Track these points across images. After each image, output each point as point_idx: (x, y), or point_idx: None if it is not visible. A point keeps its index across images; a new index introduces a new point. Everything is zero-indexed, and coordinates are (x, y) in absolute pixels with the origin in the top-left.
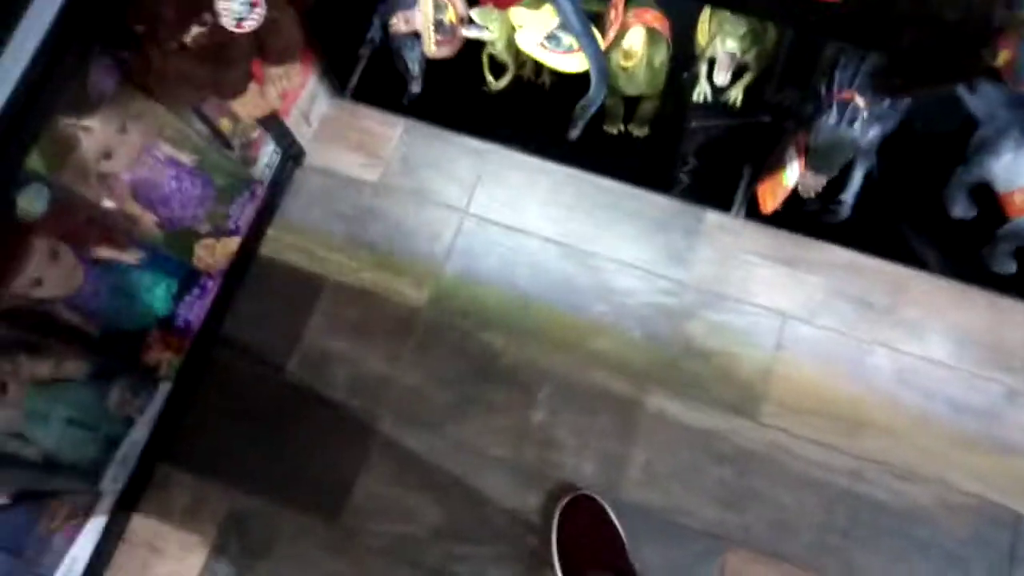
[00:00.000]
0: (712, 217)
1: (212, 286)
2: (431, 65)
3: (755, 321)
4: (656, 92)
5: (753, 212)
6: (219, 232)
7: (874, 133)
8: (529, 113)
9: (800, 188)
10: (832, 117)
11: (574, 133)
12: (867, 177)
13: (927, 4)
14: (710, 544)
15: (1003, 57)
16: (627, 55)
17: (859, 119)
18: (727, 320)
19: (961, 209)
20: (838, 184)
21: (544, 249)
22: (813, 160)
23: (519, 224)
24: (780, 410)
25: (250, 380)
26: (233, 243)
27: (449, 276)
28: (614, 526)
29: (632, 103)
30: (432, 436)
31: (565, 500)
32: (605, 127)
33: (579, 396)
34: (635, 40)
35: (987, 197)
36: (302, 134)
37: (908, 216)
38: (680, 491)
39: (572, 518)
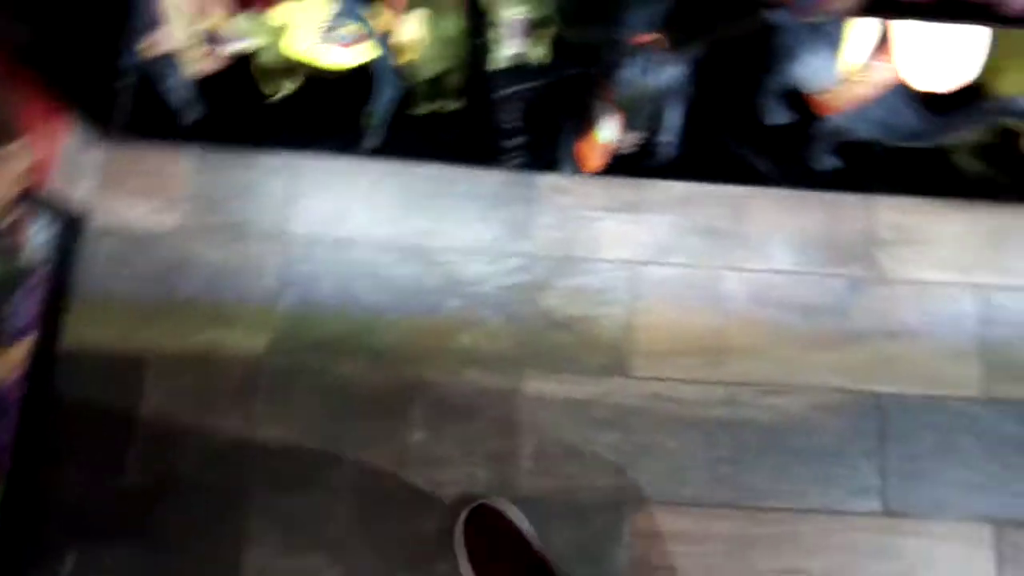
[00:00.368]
0: (545, 181)
1: (12, 402)
2: (206, 82)
3: (608, 277)
4: (458, 63)
5: (584, 166)
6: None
7: (682, 70)
8: (327, 111)
9: (618, 143)
10: (634, 67)
11: (371, 143)
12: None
13: None
14: (612, 511)
15: None
16: (404, 49)
17: (663, 64)
18: (581, 283)
19: (777, 116)
20: (656, 125)
21: (380, 256)
22: (624, 116)
23: (347, 235)
24: (648, 360)
25: (90, 493)
26: (22, 348)
27: (285, 313)
28: (514, 525)
29: (436, 77)
30: (310, 490)
31: (462, 516)
32: (415, 110)
33: (454, 403)
34: (409, 31)
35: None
36: (78, 194)
37: (731, 132)
38: (574, 469)
39: (473, 531)
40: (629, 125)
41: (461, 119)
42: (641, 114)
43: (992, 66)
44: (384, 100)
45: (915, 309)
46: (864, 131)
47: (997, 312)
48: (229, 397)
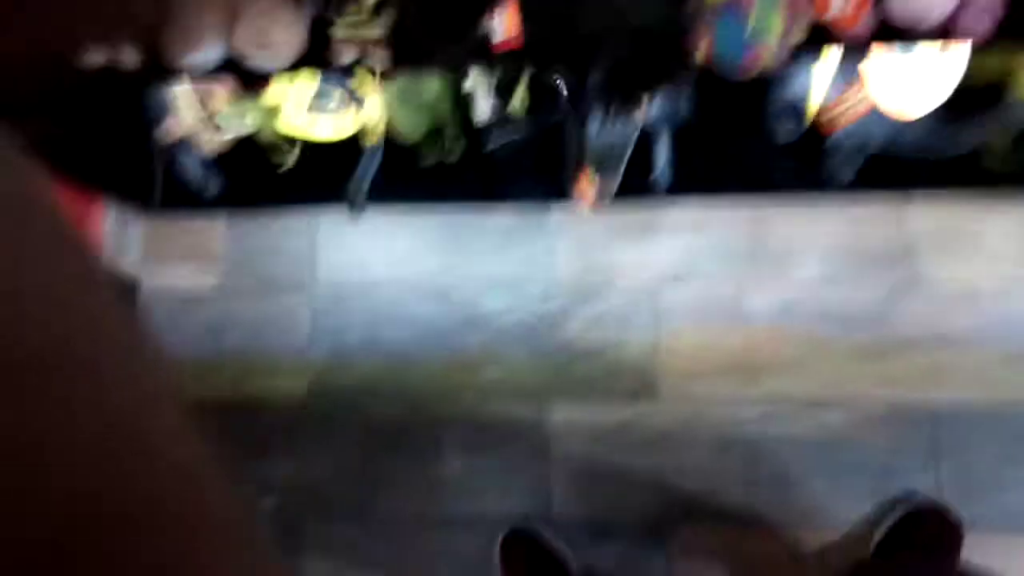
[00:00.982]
0: (558, 212)
1: None
2: (225, 157)
3: (629, 302)
4: (445, 121)
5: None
6: None
7: (657, 112)
8: (334, 172)
9: (599, 190)
10: (597, 120)
11: (355, 212)
12: (677, 136)
13: (612, 17)
14: (650, 534)
15: (704, 50)
16: (369, 132)
17: (617, 119)
18: (603, 310)
19: (785, 133)
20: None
21: (403, 297)
22: (593, 167)
23: (371, 279)
24: (678, 382)
25: None
26: None
27: (319, 359)
28: (549, 547)
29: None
30: (357, 523)
31: (499, 540)
32: (420, 161)
33: (485, 434)
34: (369, 114)
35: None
36: (126, 266)
37: (743, 151)
38: (609, 493)
39: (510, 555)
40: (601, 176)
41: (465, 167)
42: (611, 167)
43: (1006, 70)
44: (368, 166)
45: (963, 312)
46: (872, 145)
47: None
48: (278, 440)
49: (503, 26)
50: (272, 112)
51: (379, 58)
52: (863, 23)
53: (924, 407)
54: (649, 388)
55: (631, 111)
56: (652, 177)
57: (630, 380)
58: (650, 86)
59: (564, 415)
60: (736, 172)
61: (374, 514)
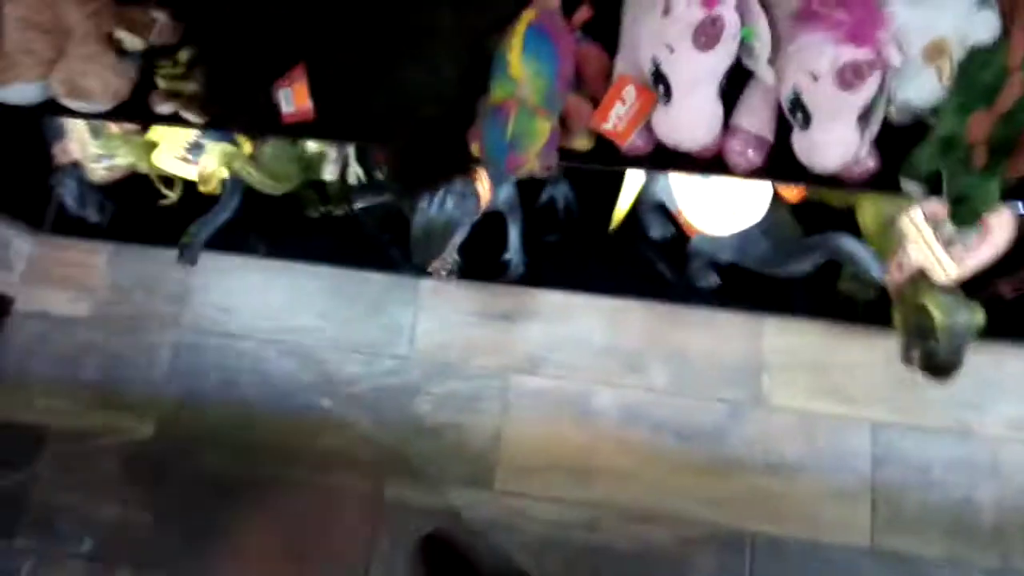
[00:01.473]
0: (426, 285)
1: None
2: (115, 186)
3: (481, 385)
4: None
5: (467, 271)
6: None
7: (505, 197)
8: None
9: (435, 266)
10: (430, 197)
11: (184, 260)
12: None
13: (402, 103)
14: None
15: (475, 148)
16: (203, 179)
17: (449, 198)
18: (453, 389)
19: (657, 230)
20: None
21: (264, 351)
22: (414, 249)
23: (237, 330)
24: (514, 474)
25: None
26: None
27: (172, 401)
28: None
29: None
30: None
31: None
32: (306, 212)
33: (314, 503)
34: (207, 163)
35: None
36: (4, 283)
37: (614, 245)
38: None
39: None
40: (422, 258)
41: (346, 224)
42: (430, 250)
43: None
44: (214, 217)
45: (800, 442)
46: (723, 254)
47: (891, 452)
48: (114, 477)
49: (294, 98)
50: (146, 149)
51: (193, 113)
52: (636, 141)
53: (745, 534)
54: (484, 475)
55: (416, 197)
56: (504, 259)
57: (467, 465)
58: (432, 177)
59: (397, 494)
60: (604, 266)
61: (189, 570)
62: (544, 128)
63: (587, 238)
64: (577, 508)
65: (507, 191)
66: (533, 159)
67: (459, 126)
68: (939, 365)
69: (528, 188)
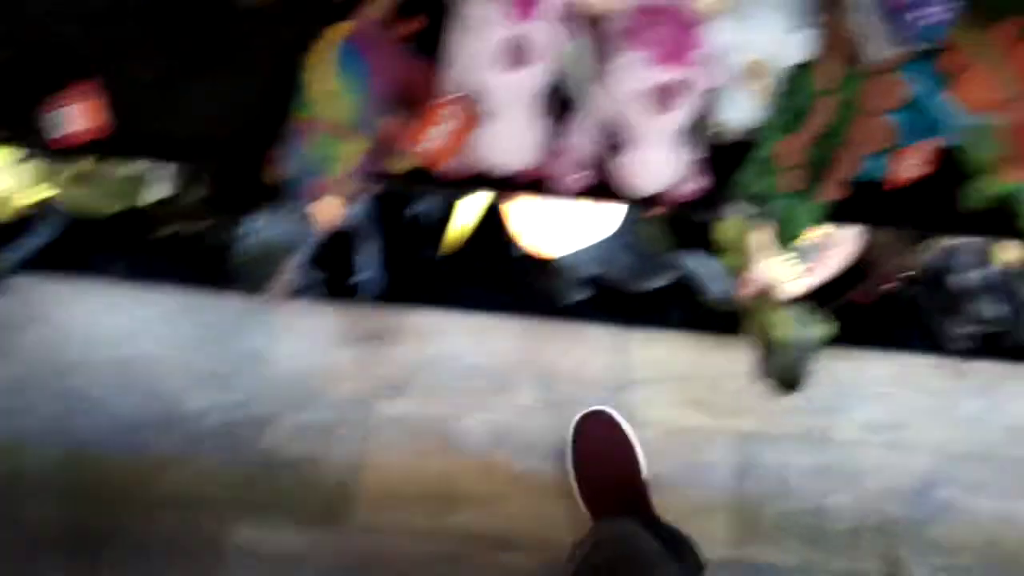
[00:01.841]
0: (285, 308)
1: None
2: None
3: (340, 413)
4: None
5: (335, 291)
6: None
7: (361, 214)
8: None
9: (273, 286)
10: (264, 215)
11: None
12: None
13: (199, 123)
14: None
15: (274, 171)
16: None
17: (281, 219)
18: (310, 420)
19: (516, 248)
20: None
21: (104, 383)
22: (239, 274)
23: (77, 358)
24: (374, 509)
25: None
26: None
27: None
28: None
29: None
30: None
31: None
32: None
33: (152, 550)
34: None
35: None
36: None
37: (483, 261)
38: None
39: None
40: (250, 287)
41: (199, 242)
42: (259, 279)
43: None
44: (26, 243)
45: (667, 456)
46: (587, 268)
47: (753, 462)
48: None
49: (83, 116)
50: None
51: None
52: (457, 161)
53: None
54: (342, 511)
55: (224, 222)
56: (351, 282)
57: (324, 501)
58: (233, 200)
59: (245, 535)
60: (474, 283)
61: None
62: (352, 151)
63: (457, 254)
64: (440, 540)
65: (359, 208)
66: (341, 183)
67: (257, 148)
68: (783, 378)
69: (395, 203)
